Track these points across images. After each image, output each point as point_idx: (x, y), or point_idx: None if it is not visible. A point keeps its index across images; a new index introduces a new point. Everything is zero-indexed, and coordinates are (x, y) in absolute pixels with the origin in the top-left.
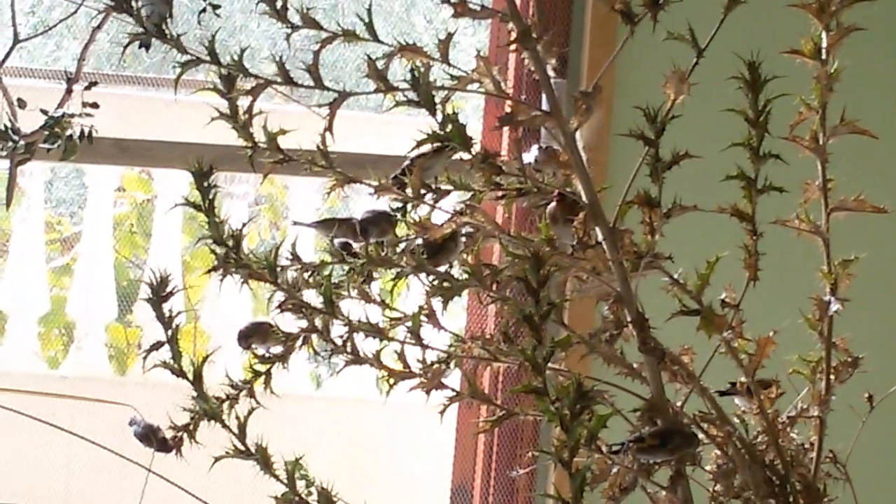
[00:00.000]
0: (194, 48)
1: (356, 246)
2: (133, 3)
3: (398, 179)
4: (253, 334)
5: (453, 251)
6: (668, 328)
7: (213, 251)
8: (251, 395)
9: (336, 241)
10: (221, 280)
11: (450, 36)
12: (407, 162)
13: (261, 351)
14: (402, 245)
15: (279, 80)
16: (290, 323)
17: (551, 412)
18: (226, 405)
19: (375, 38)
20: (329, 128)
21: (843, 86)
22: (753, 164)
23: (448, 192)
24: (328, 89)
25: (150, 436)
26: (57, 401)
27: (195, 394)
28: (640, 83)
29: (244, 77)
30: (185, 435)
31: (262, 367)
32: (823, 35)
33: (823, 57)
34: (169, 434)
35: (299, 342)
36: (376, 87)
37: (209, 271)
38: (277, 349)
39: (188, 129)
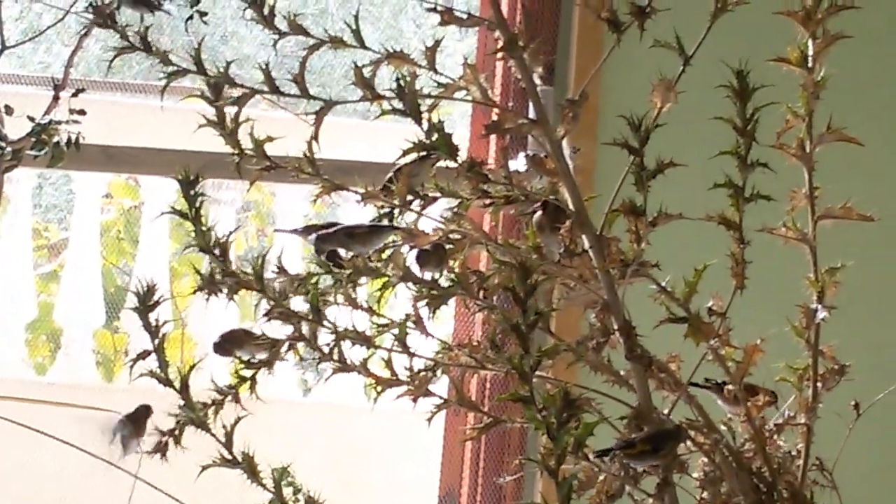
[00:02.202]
0: (183, 55)
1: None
2: (116, 17)
3: (387, 187)
4: (227, 342)
5: (445, 259)
6: (655, 336)
7: (197, 271)
8: (236, 400)
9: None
10: (207, 299)
11: (437, 43)
12: (394, 170)
13: (246, 356)
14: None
15: (266, 88)
16: (276, 329)
17: (538, 421)
18: (211, 410)
19: (362, 45)
20: (315, 136)
21: (829, 94)
22: (741, 173)
23: (435, 200)
24: (314, 98)
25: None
26: (44, 407)
27: (182, 402)
28: (627, 91)
29: (231, 86)
30: (171, 440)
31: (247, 373)
32: (810, 43)
33: (810, 65)
34: (154, 439)
35: (285, 348)
36: (363, 96)
37: (195, 291)
38: (263, 355)
39: (176, 136)
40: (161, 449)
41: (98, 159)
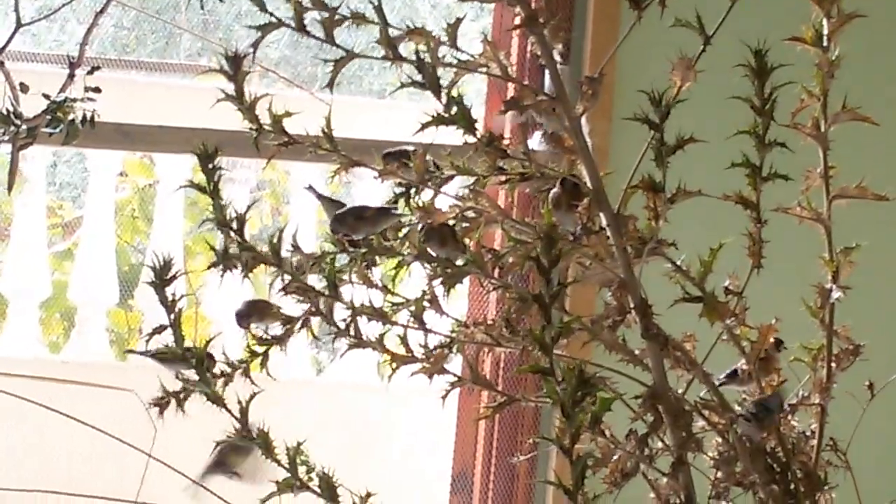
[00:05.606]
0: (199, 33)
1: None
2: None
3: (404, 164)
4: (251, 313)
5: (448, 237)
6: (670, 315)
7: (212, 247)
8: (246, 374)
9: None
10: (222, 275)
11: (459, 21)
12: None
13: (259, 332)
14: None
15: (292, 25)
16: (290, 309)
17: (556, 394)
18: (221, 382)
19: (384, 21)
20: (330, 84)
21: (844, 73)
22: (759, 152)
23: (451, 178)
24: (338, 46)
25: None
26: (58, 386)
27: (197, 378)
28: (642, 70)
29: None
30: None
31: (260, 349)
32: (825, 22)
33: (825, 44)
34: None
35: (299, 325)
36: (385, 55)
37: (210, 267)
38: (276, 331)
39: (191, 114)
40: (161, 405)
41: (113, 137)
